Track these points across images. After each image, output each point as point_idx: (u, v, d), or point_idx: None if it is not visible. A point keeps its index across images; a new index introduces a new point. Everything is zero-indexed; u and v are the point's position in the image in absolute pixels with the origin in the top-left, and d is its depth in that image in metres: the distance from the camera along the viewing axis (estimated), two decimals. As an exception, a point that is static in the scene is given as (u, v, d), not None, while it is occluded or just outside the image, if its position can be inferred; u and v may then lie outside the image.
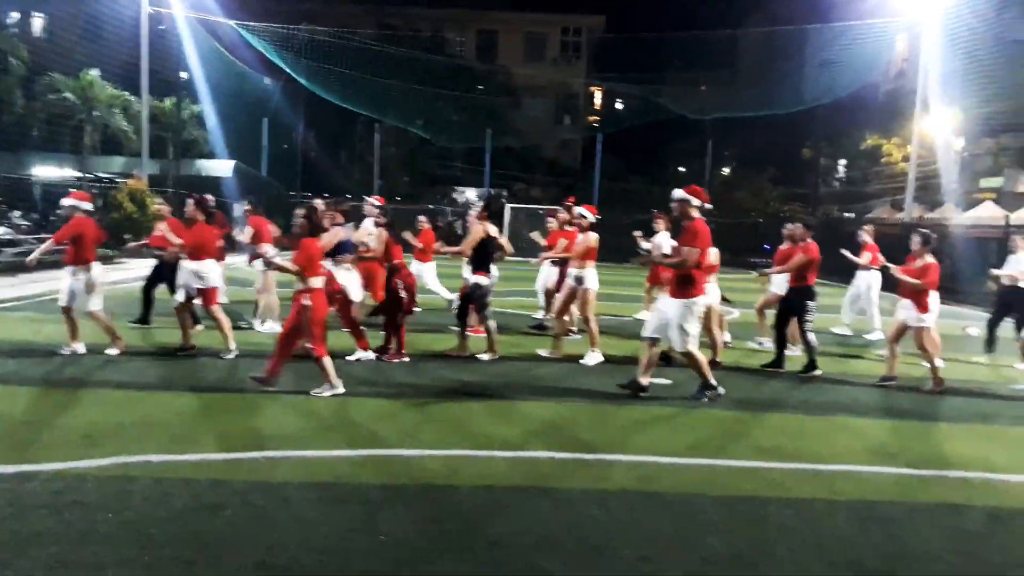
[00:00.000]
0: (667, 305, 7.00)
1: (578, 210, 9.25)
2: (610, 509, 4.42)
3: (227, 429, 5.56)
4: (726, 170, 45.79)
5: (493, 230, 8.79)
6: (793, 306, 8.82)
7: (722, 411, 6.85)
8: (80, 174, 24.94)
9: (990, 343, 10.22)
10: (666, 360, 8.48)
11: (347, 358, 8.01)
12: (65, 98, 23.49)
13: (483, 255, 8.50)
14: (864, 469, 5.37)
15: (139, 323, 9.70)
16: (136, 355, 7.99)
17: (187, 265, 8.25)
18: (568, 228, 9.84)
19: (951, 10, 22.58)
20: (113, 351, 7.94)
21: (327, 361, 6.61)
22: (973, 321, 13.87)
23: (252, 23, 25.13)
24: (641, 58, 35.00)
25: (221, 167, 28.33)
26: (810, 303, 8.71)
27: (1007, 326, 10.18)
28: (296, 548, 3.71)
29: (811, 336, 8.68)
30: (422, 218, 11.86)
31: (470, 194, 44.04)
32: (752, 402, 7.28)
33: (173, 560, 3.50)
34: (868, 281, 11.52)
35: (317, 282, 6.62)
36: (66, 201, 8.07)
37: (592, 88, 50.56)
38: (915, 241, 8.36)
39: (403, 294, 8.28)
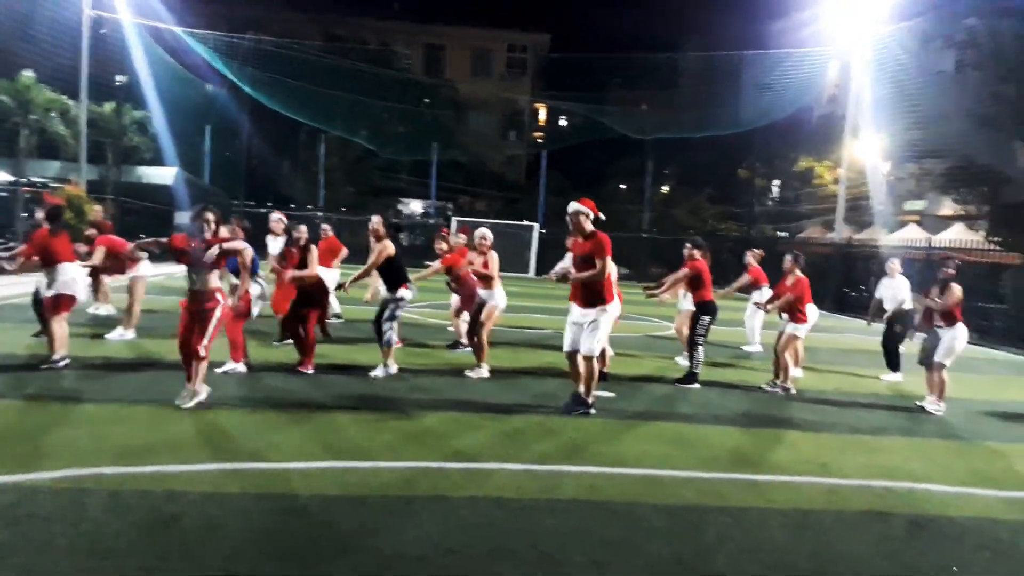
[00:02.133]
0: (579, 314, 7.17)
1: (481, 231, 9.40)
2: (560, 517, 4.61)
3: (177, 441, 5.56)
4: (665, 188, 46.86)
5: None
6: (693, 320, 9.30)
7: (664, 424, 7.14)
8: (13, 178, 24.16)
9: (892, 361, 10.57)
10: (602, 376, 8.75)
11: (216, 369, 7.85)
12: (0, 101, 22.78)
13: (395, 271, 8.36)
14: (797, 479, 5.69)
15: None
16: (73, 367, 7.86)
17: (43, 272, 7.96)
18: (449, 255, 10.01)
19: (880, 41, 23.76)
20: None
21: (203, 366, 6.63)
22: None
23: (197, 30, 24.82)
24: (585, 77, 35.63)
25: (163, 174, 27.80)
26: (704, 318, 9.15)
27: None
28: (256, 556, 3.79)
29: (699, 350, 9.10)
30: (326, 226, 11.90)
31: (415, 206, 44.07)
32: (692, 416, 7.58)
33: (136, 570, 3.55)
34: (754, 299, 12.13)
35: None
36: None
37: (537, 104, 51.15)
38: (787, 259, 9.25)
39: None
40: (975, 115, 23.95)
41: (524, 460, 5.67)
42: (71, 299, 7.99)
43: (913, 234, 26.37)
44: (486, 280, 9.11)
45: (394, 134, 37.68)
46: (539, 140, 49.22)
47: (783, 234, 37.59)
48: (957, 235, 24.34)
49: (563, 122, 49.38)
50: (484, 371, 8.78)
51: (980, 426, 7.97)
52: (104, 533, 3.92)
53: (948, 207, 32.57)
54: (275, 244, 10.13)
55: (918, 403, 8.56)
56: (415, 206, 43.76)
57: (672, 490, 5.27)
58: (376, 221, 8.45)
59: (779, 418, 7.74)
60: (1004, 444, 7.24)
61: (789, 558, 4.23)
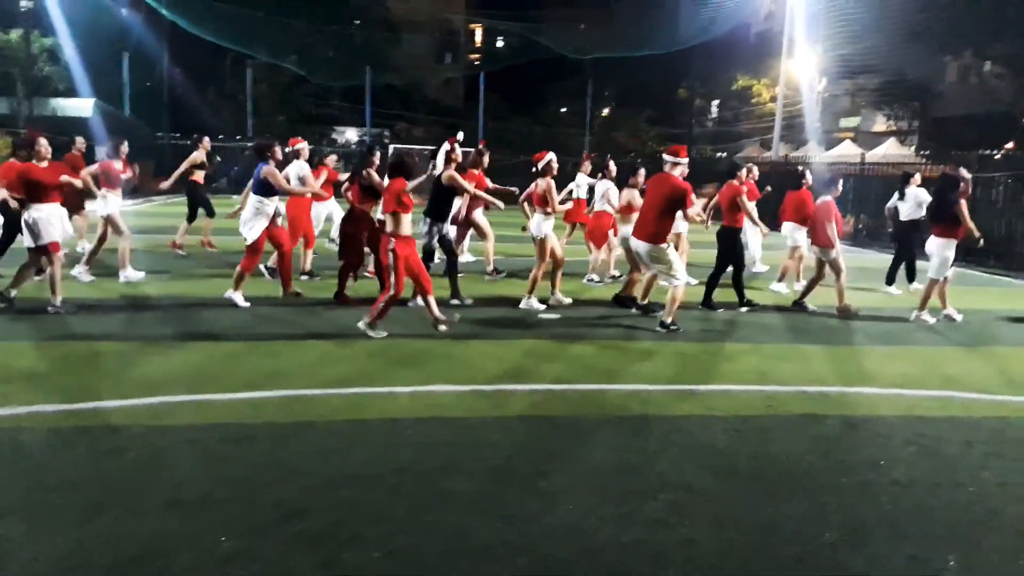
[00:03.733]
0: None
1: (551, 156, 8.78)
2: (508, 433, 4.70)
3: (116, 376, 5.45)
4: (606, 111, 46.60)
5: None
6: None
7: (611, 342, 7.27)
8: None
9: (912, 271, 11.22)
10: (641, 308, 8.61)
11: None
12: None
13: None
14: (737, 388, 5.89)
15: None
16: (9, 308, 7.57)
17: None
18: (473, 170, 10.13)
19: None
20: None
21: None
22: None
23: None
24: (521, -6, 34.85)
25: (79, 106, 26.35)
26: None
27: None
28: (206, 483, 3.77)
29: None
30: (331, 158, 11.60)
31: (350, 134, 42.96)
32: (636, 334, 7.74)
33: (82, 501, 3.50)
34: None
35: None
36: None
37: (472, 25, 49.88)
38: (836, 181, 9.60)
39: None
40: (906, 26, 24.20)
41: (472, 382, 5.72)
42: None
43: (848, 150, 26.91)
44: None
45: (325, 58, 36.34)
46: (476, 62, 48.19)
47: (722, 154, 37.96)
48: (889, 150, 24.94)
49: (500, 43, 48.39)
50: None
51: (911, 333, 8.32)
52: (47, 468, 3.85)
53: (881, 123, 33.24)
54: (303, 168, 9.78)
55: (945, 314, 8.91)
56: (350, 134, 42.66)
57: (617, 402, 5.41)
58: (459, 150, 8.71)
59: (722, 332, 7.97)
60: (932, 348, 7.61)
61: (728, 459, 4.40)
